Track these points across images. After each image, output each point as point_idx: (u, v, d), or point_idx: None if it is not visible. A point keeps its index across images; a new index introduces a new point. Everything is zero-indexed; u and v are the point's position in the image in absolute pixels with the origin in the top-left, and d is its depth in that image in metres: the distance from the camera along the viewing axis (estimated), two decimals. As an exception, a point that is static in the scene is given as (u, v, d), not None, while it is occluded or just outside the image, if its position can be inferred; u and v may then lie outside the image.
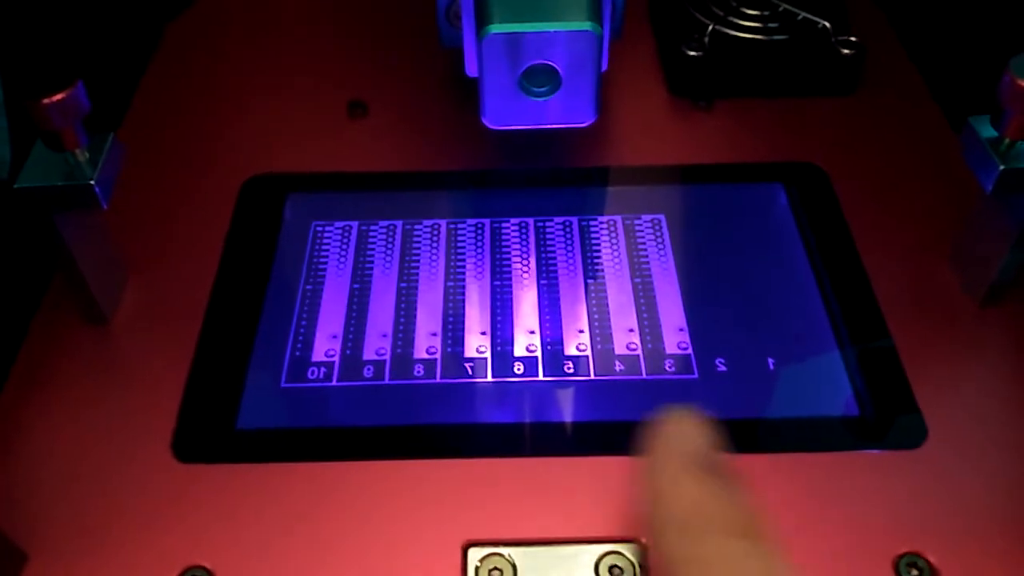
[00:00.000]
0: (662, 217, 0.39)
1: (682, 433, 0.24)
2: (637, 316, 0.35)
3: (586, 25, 0.29)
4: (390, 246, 0.38)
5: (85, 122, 0.30)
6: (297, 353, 0.34)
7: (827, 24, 0.43)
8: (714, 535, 0.21)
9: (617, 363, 0.34)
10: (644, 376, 0.33)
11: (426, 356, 0.34)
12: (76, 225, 0.33)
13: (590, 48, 0.30)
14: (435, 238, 0.38)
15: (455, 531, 0.29)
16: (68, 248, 0.33)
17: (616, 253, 0.37)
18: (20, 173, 0.31)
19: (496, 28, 0.30)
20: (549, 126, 0.33)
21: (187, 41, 0.49)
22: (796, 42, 0.43)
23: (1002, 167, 0.31)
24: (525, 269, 0.37)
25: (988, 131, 0.31)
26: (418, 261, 0.37)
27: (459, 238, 0.38)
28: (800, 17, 0.43)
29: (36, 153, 0.31)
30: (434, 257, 0.38)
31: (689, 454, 0.23)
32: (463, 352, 0.34)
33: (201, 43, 0.49)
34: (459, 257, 0.37)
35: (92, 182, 0.30)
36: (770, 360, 0.33)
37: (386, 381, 0.33)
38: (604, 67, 0.32)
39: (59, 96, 0.29)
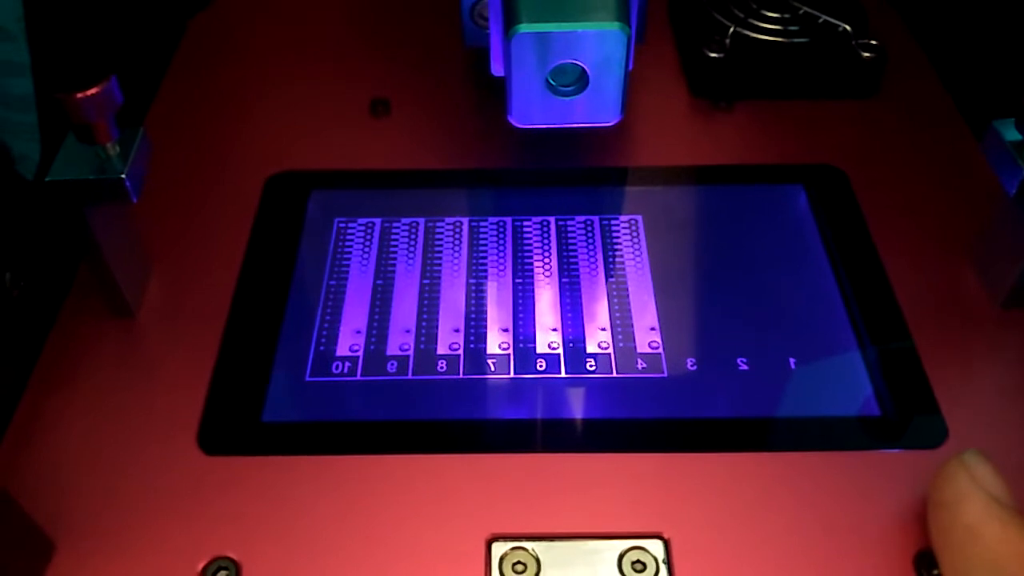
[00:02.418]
0: (682, 217, 0.39)
1: (975, 474, 0.24)
2: (658, 315, 0.35)
3: (615, 25, 0.30)
4: (413, 243, 0.38)
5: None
6: (321, 347, 0.34)
7: (847, 27, 0.43)
8: None
9: (639, 361, 0.34)
10: (665, 374, 0.33)
11: (449, 352, 0.34)
12: (104, 219, 0.33)
13: (618, 48, 0.30)
14: (457, 235, 0.39)
15: (479, 525, 0.29)
16: (96, 241, 0.33)
17: (637, 252, 0.38)
18: (51, 166, 0.31)
19: (525, 28, 0.30)
20: (575, 125, 0.33)
21: (209, 37, 0.50)
22: (816, 45, 0.43)
23: (1026, 170, 0.31)
24: (547, 267, 0.37)
25: (1013, 134, 0.32)
26: (440, 258, 0.38)
27: (481, 236, 0.38)
28: (821, 20, 0.44)
29: (67, 146, 0.32)
30: (456, 254, 0.38)
31: (988, 495, 0.24)
32: (485, 348, 0.34)
33: (223, 39, 0.49)
34: (481, 254, 0.38)
35: (123, 176, 0.31)
36: (791, 360, 0.34)
37: (409, 376, 0.33)
38: (630, 67, 0.32)
39: (93, 90, 0.29)
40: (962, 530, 0.24)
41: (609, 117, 0.32)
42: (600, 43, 0.30)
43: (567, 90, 0.32)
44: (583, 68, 0.31)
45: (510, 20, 0.31)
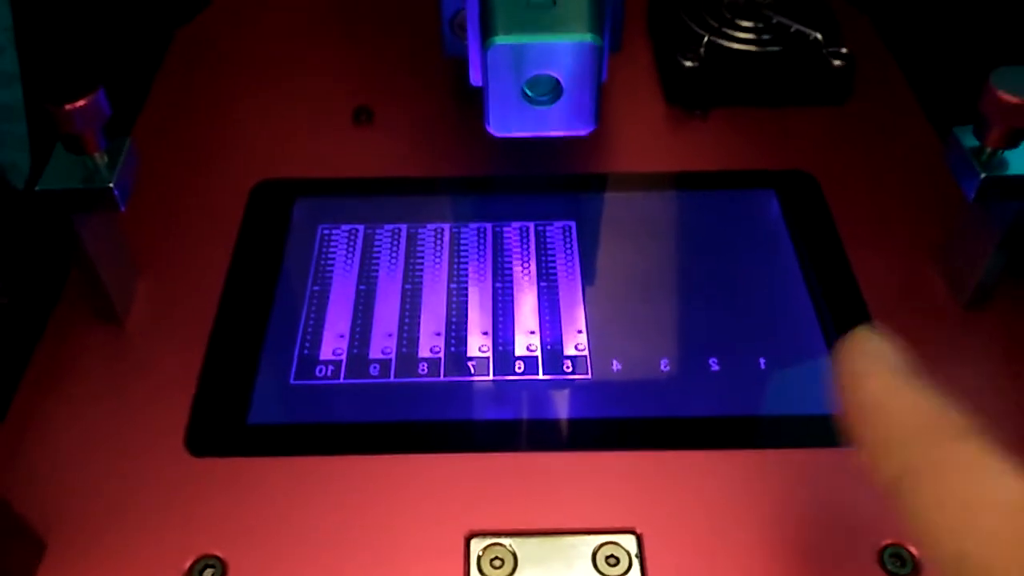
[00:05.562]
0: (658, 222, 0.40)
1: (878, 348, 0.24)
2: (636, 318, 0.36)
3: (587, 37, 0.31)
4: (395, 249, 0.39)
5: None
6: (306, 351, 0.35)
7: (819, 36, 0.44)
8: (944, 440, 0.21)
9: (614, 362, 0.35)
10: (639, 376, 0.34)
11: (430, 355, 0.35)
12: (93, 227, 0.34)
13: (591, 60, 0.31)
14: (439, 241, 0.39)
15: (458, 522, 0.30)
16: (85, 249, 0.34)
17: (614, 257, 0.39)
18: (41, 176, 0.32)
19: (501, 39, 0.31)
20: (551, 134, 0.34)
21: (196, 47, 0.50)
22: (789, 53, 0.44)
23: (983, 175, 0.32)
24: (526, 272, 0.38)
25: (971, 140, 0.33)
26: (422, 264, 0.39)
27: (462, 242, 0.39)
28: (793, 29, 0.45)
29: (56, 156, 0.32)
30: (438, 260, 0.39)
31: (893, 365, 0.23)
32: (466, 351, 0.35)
33: (210, 49, 0.50)
34: (462, 260, 0.39)
35: (111, 185, 0.32)
36: (761, 360, 0.35)
37: (392, 379, 0.34)
38: (604, 78, 0.33)
39: (82, 101, 0.30)
40: (868, 408, 0.23)
41: (583, 126, 0.33)
42: (573, 55, 0.31)
43: (542, 100, 0.33)
44: (557, 79, 0.32)
45: (487, 31, 0.32)
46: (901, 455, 0.21)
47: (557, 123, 0.33)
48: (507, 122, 0.33)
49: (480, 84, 0.34)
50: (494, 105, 0.33)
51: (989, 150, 0.32)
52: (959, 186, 0.33)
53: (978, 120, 0.32)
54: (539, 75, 0.32)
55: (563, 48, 0.31)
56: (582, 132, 0.34)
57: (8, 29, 0.36)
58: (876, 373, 0.23)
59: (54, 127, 0.31)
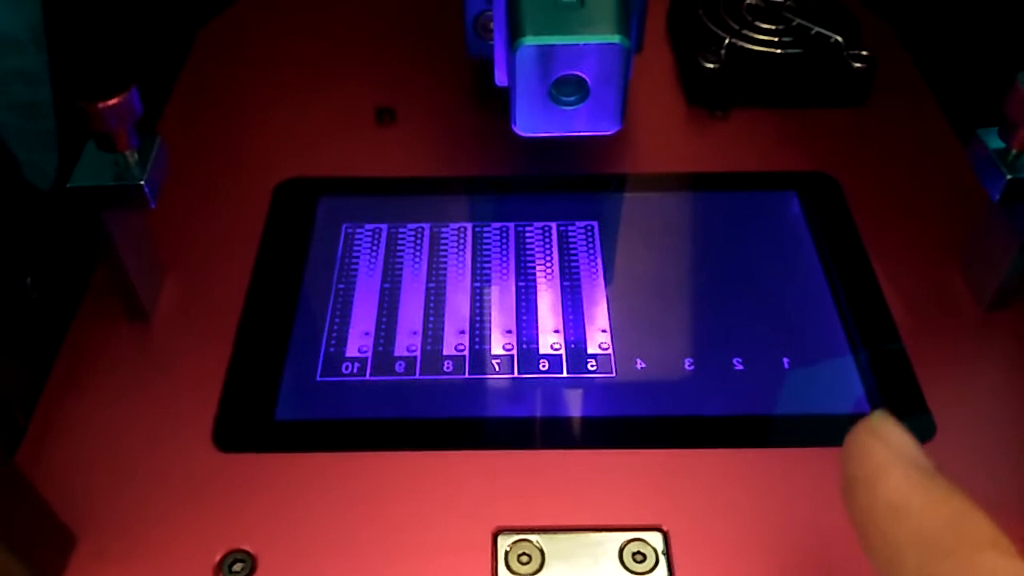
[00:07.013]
0: (678, 223, 0.40)
1: (890, 440, 0.22)
2: (658, 318, 0.36)
3: (615, 38, 0.31)
4: (419, 248, 0.39)
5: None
6: (331, 349, 0.35)
7: (839, 38, 0.44)
8: (968, 547, 0.19)
9: (638, 361, 0.35)
10: (664, 374, 0.34)
11: (455, 353, 0.35)
12: (121, 223, 0.34)
13: (619, 60, 0.31)
14: (462, 241, 0.40)
15: (485, 518, 0.30)
16: (113, 245, 0.34)
17: (635, 256, 0.39)
18: (72, 173, 0.32)
19: (529, 40, 0.31)
20: (576, 134, 0.34)
21: (219, 47, 0.51)
22: (809, 55, 0.45)
23: (1009, 177, 0.32)
24: (548, 271, 0.38)
25: (995, 142, 0.33)
26: (446, 262, 0.39)
27: (485, 241, 0.40)
28: (813, 31, 0.45)
29: (87, 154, 0.33)
30: (461, 259, 0.39)
31: (905, 463, 0.21)
32: (490, 349, 0.36)
33: (232, 49, 0.51)
34: (485, 259, 0.39)
35: (142, 183, 0.32)
36: (785, 360, 0.35)
37: (417, 376, 0.35)
38: (629, 76, 0.33)
39: (115, 100, 0.30)
40: (885, 507, 0.21)
41: (609, 126, 0.34)
42: (601, 56, 0.31)
43: (569, 100, 0.33)
44: (584, 79, 0.32)
45: (514, 32, 0.32)
46: (920, 562, 0.20)
47: (583, 123, 0.34)
48: (533, 122, 0.34)
49: (504, 84, 0.34)
50: (521, 105, 0.33)
51: (1015, 152, 0.32)
52: (983, 188, 0.33)
53: (1003, 122, 0.32)
54: (566, 75, 0.32)
55: (591, 49, 0.31)
56: (608, 132, 0.34)
57: (36, 28, 0.36)
58: (894, 468, 0.21)
59: (84, 125, 0.31)
